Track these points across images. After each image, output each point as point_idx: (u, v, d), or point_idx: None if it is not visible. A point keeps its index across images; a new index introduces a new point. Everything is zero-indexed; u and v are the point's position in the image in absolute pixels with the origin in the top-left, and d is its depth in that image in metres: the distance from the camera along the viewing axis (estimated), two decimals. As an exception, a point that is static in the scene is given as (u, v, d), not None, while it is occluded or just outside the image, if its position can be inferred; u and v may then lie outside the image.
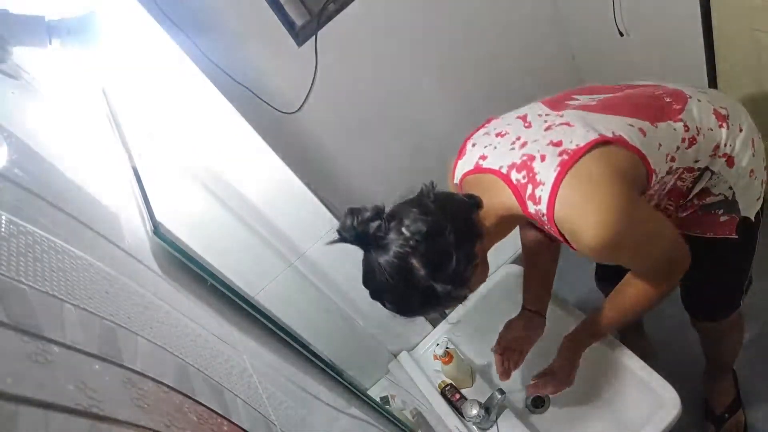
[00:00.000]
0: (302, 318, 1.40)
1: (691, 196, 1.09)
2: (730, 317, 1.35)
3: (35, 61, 0.89)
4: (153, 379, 0.40)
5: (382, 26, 1.86)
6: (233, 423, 0.47)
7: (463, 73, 2.07)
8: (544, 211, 0.89)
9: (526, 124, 1.02)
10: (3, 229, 0.37)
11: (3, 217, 0.38)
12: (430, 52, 1.98)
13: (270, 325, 0.85)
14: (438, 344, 1.44)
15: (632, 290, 1.07)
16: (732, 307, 1.33)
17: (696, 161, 1.02)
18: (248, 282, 1.31)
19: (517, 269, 1.55)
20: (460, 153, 1.09)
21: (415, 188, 0.97)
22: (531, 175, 0.92)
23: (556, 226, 0.90)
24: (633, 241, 0.92)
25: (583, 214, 0.86)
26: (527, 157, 0.94)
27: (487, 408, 1.31)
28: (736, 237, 1.10)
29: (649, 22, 1.86)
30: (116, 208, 0.70)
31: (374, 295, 0.93)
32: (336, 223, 1.35)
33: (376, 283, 0.89)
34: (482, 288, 1.50)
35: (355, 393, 1.01)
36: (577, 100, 1.06)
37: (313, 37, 1.73)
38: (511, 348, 1.29)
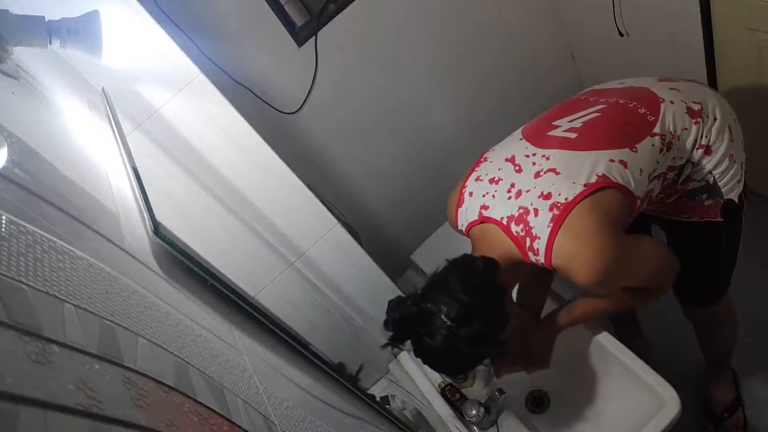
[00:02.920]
0: (302, 318, 1.40)
1: (676, 186, 1.15)
2: (720, 303, 1.39)
3: (35, 61, 0.89)
4: (153, 379, 0.40)
5: (382, 26, 1.86)
6: (233, 423, 0.47)
7: (462, 72, 2.08)
8: (543, 261, 1.00)
9: (516, 168, 1.09)
10: (3, 230, 0.37)
11: (3, 217, 0.38)
12: (429, 52, 1.98)
13: (270, 325, 0.85)
14: (438, 344, 1.44)
15: (618, 298, 1.15)
16: (721, 290, 1.38)
17: (676, 160, 1.09)
18: (248, 282, 1.31)
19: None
20: (459, 201, 1.16)
21: (439, 265, 1.06)
22: (527, 228, 1.01)
23: (554, 271, 1.02)
24: (622, 276, 1.03)
25: (577, 263, 0.96)
26: (523, 210, 1.02)
27: (487, 408, 1.31)
28: (721, 220, 1.16)
29: (649, 22, 1.86)
30: (116, 208, 0.70)
31: (427, 364, 1.06)
32: (335, 223, 1.36)
33: (427, 361, 1.04)
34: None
35: (355, 393, 1.01)
36: (558, 127, 1.12)
37: (313, 37, 1.73)
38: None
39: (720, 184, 1.14)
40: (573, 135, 1.08)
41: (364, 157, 2.02)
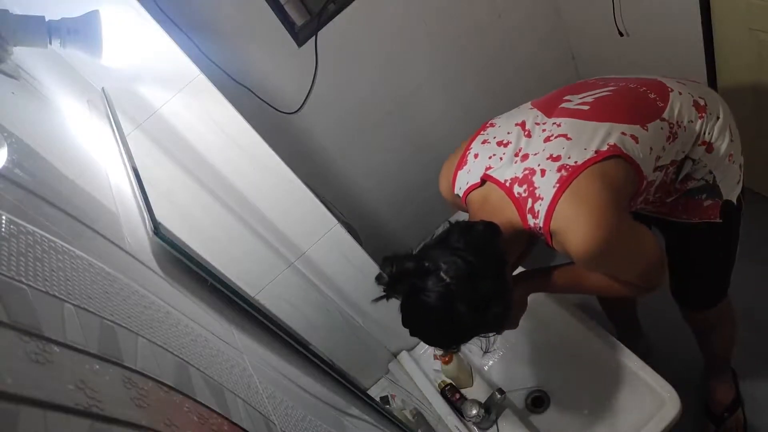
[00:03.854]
0: (302, 318, 1.40)
1: (675, 184, 1.13)
2: (719, 306, 1.37)
3: (35, 61, 0.89)
4: (153, 379, 0.40)
5: (382, 26, 1.86)
6: (233, 423, 0.47)
7: (463, 72, 2.08)
8: (541, 224, 0.96)
9: (526, 133, 1.06)
10: (3, 229, 0.37)
11: (3, 217, 0.38)
12: (430, 53, 1.98)
13: (270, 325, 0.85)
14: (438, 344, 1.44)
15: (601, 279, 1.08)
16: (720, 294, 1.35)
17: (678, 153, 1.07)
18: (248, 282, 1.31)
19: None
20: (461, 162, 1.11)
21: (436, 228, 1.03)
22: (531, 189, 0.97)
23: (549, 236, 0.97)
24: (616, 256, 0.97)
25: (575, 229, 0.93)
26: (528, 171, 0.99)
27: (487, 408, 1.31)
28: (721, 221, 1.15)
29: (649, 22, 1.86)
30: (116, 208, 0.70)
31: (416, 334, 0.99)
32: (335, 222, 1.36)
33: (418, 325, 0.97)
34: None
35: (355, 393, 1.01)
36: (570, 101, 1.09)
37: (313, 37, 1.73)
38: None
39: (720, 184, 1.13)
40: (585, 107, 1.06)
41: (364, 157, 2.02)
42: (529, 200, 0.97)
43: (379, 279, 0.97)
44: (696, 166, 1.10)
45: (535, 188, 0.97)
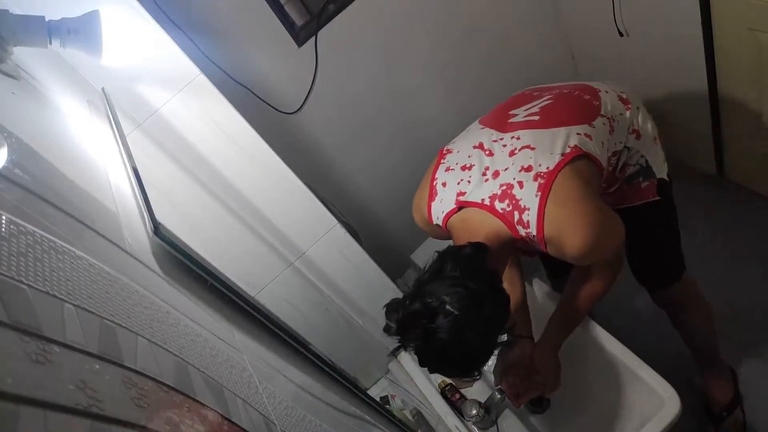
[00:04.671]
0: (302, 318, 1.40)
1: (616, 173, 1.23)
2: (681, 281, 1.44)
3: (35, 61, 0.89)
4: (153, 379, 0.40)
5: (382, 26, 1.86)
6: (233, 423, 0.47)
7: (463, 72, 2.08)
8: (534, 233, 1.00)
9: (487, 152, 1.12)
10: (3, 229, 0.37)
11: (3, 217, 0.38)
12: (429, 52, 1.98)
13: (270, 325, 0.85)
14: (438, 344, 1.44)
15: (587, 288, 1.19)
16: (677, 267, 1.43)
17: (617, 144, 1.17)
18: (248, 282, 1.31)
19: (538, 283, 1.55)
20: (431, 195, 1.15)
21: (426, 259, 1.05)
22: (514, 202, 1.02)
23: (544, 243, 1.02)
24: (605, 243, 1.05)
25: (570, 233, 0.99)
26: (506, 186, 1.04)
27: (487, 408, 1.31)
28: (659, 198, 1.26)
29: (649, 22, 1.86)
30: (116, 208, 0.70)
31: (436, 371, 1.01)
32: (335, 222, 1.36)
33: (437, 363, 0.98)
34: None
35: (355, 393, 1.01)
36: (517, 114, 1.17)
37: (313, 37, 1.73)
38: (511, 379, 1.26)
39: (652, 165, 1.24)
40: (536, 117, 1.14)
41: (363, 157, 2.02)
42: (516, 213, 1.02)
43: (388, 330, 0.98)
44: (630, 153, 1.21)
45: (518, 200, 1.01)
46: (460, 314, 0.90)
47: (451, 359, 0.96)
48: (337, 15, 1.75)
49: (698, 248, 2.03)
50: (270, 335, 0.87)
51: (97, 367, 0.35)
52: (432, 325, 0.92)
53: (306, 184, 1.31)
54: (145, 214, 0.72)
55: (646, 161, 1.23)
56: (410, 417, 1.39)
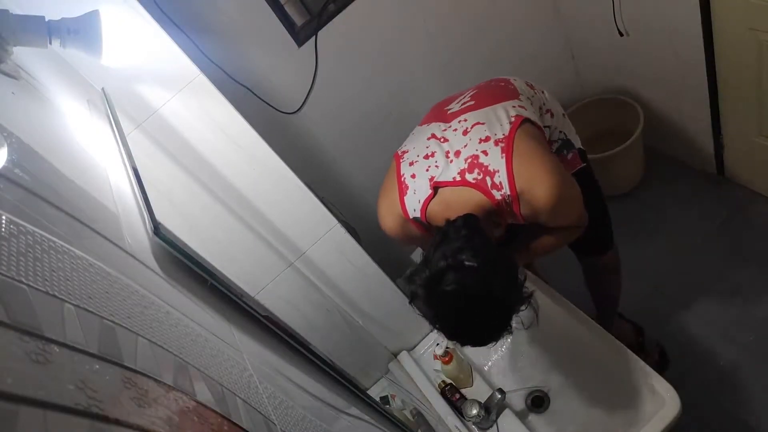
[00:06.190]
0: (302, 318, 1.40)
1: None
2: (614, 248, 1.55)
3: (35, 61, 0.89)
4: (153, 379, 0.40)
5: (381, 26, 1.86)
6: (233, 423, 0.47)
7: (463, 72, 2.07)
8: (509, 192, 1.06)
9: (443, 139, 1.18)
10: (3, 229, 0.37)
11: (3, 217, 0.38)
12: (430, 53, 1.98)
13: (270, 325, 0.85)
14: (438, 344, 1.44)
15: (545, 239, 1.27)
16: (611, 232, 1.53)
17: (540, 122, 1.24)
18: (248, 282, 1.31)
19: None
20: (401, 191, 1.19)
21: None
22: (484, 169, 1.08)
23: (518, 201, 1.07)
24: (571, 195, 1.13)
25: (538, 183, 1.05)
26: (471, 158, 1.10)
27: (487, 408, 1.31)
28: (585, 163, 1.35)
29: (649, 22, 1.86)
30: (116, 208, 0.70)
31: (471, 331, 1.02)
32: (335, 222, 1.36)
33: (471, 318, 1.00)
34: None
35: (355, 393, 1.01)
36: (453, 108, 1.25)
37: (313, 37, 1.73)
38: None
39: (569, 137, 1.34)
40: (471, 102, 1.23)
41: (363, 156, 2.02)
42: (487, 178, 1.07)
43: (414, 297, 1.02)
44: (551, 131, 1.30)
45: (486, 166, 1.07)
46: (479, 265, 0.96)
47: (486, 312, 0.99)
48: (337, 15, 1.75)
49: (698, 248, 2.04)
50: (270, 335, 0.87)
51: (97, 367, 0.35)
52: (461, 278, 0.96)
53: (306, 184, 1.31)
54: (145, 214, 0.72)
55: (565, 134, 1.34)
56: (410, 417, 1.39)
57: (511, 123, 1.11)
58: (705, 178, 2.16)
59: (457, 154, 1.12)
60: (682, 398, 1.17)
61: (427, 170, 1.15)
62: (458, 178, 1.10)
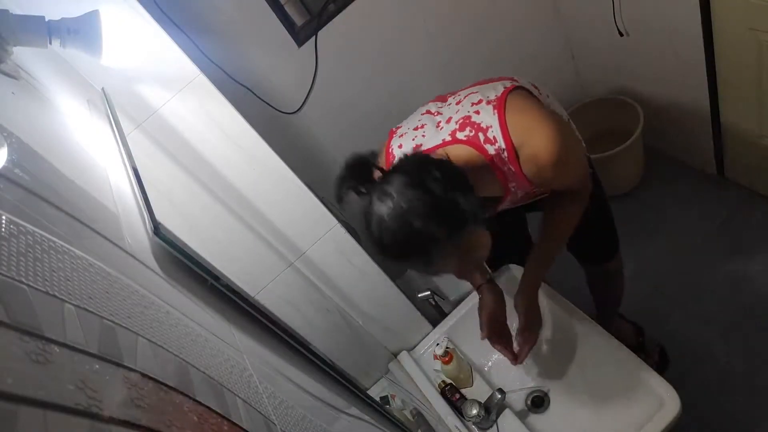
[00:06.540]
0: (302, 318, 1.40)
1: None
2: (618, 255, 1.53)
3: (35, 61, 0.89)
4: (153, 379, 0.40)
5: (381, 26, 1.86)
6: (233, 423, 0.47)
7: (463, 72, 2.07)
8: (503, 145, 1.01)
9: (436, 113, 1.16)
10: (3, 229, 0.37)
11: (3, 217, 0.38)
12: (430, 53, 1.98)
13: (270, 325, 0.85)
14: (438, 344, 1.44)
15: (562, 214, 1.22)
16: (617, 238, 1.51)
17: None
18: (248, 282, 1.31)
19: (517, 269, 1.55)
20: (389, 162, 1.16)
21: None
22: (476, 126, 1.04)
23: (515, 155, 1.02)
24: (573, 151, 1.08)
25: (536, 133, 1.00)
26: (463, 118, 1.06)
27: (487, 408, 1.31)
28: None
29: (649, 22, 1.86)
30: (116, 208, 0.70)
31: (413, 241, 0.90)
32: (335, 222, 1.36)
33: (402, 228, 0.88)
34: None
35: (355, 393, 1.01)
36: (448, 96, 1.22)
37: (313, 37, 1.73)
38: (496, 328, 1.31)
39: None
40: (473, 86, 1.19)
41: (364, 157, 2.02)
42: (480, 134, 1.03)
43: (339, 193, 0.96)
44: None
45: (479, 123, 1.03)
46: (399, 196, 0.87)
47: (423, 213, 0.87)
48: (337, 15, 1.75)
49: (698, 248, 2.04)
50: (270, 335, 0.87)
51: (97, 367, 0.35)
52: (388, 188, 0.89)
53: (306, 184, 1.31)
54: (145, 214, 0.72)
55: None
56: (410, 417, 1.39)
57: (505, 88, 1.08)
58: (705, 178, 2.16)
59: (449, 120, 1.10)
60: (682, 398, 1.17)
61: (414, 140, 1.13)
62: (448, 139, 1.06)
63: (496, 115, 1.02)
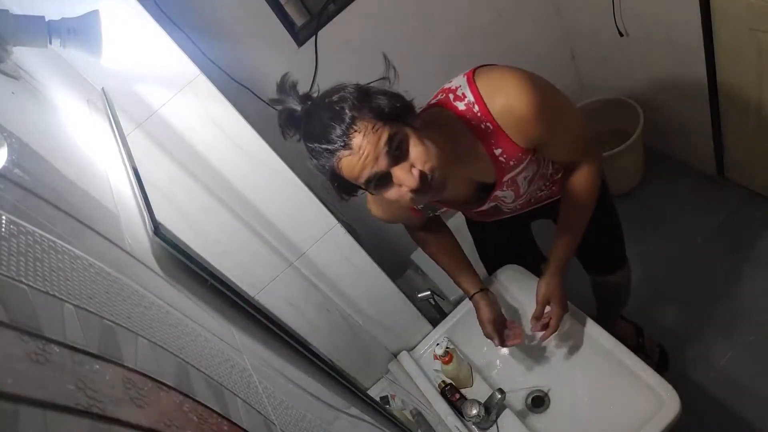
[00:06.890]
0: (302, 318, 1.40)
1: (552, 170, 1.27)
2: (627, 265, 1.53)
3: (35, 61, 0.89)
4: (153, 379, 0.40)
5: (381, 26, 1.86)
6: (233, 423, 0.47)
7: (462, 71, 2.07)
8: (473, 99, 0.99)
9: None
10: (3, 229, 0.37)
11: (3, 217, 0.38)
12: (429, 53, 1.98)
13: (270, 325, 0.85)
14: (438, 344, 1.44)
15: (579, 180, 1.19)
16: (624, 248, 1.50)
17: None
18: (248, 282, 1.31)
19: (518, 269, 1.56)
20: None
21: None
22: (446, 90, 1.04)
23: (488, 111, 0.98)
24: (554, 100, 1.04)
25: (505, 83, 0.96)
26: (436, 93, 1.07)
27: (487, 408, 1.31)
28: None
29: (649, 22, 1.86)
30: (116, 208, 0.70)
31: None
32: (335, 223, 1.36)
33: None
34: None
35: (355, 393, 1.01)
36: None
37: (313, 37, 1.73)
38: (503, 331, 1.33)
39: None
40: None
41: (364, 157, 2.02)
42: (450, 94, 1.03)
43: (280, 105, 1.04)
44: None
45: (449, 87, 1.03)
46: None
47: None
48: (337, 15, 1.75)
49: (698, 248, 2.04)
50: (270, 335, 0.87)
51: (97, 367, 0.35)
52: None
53: (306, 184, 1.31)
54: (145, 214, 0.72)
55: None
56: (410, 417, 1.39)
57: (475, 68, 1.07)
58: (705, 178, 2.16)
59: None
60: (682, 398, 1.17)
61: None
62: (423, 108, 1.06)
63: (465, 76, 1.02)
